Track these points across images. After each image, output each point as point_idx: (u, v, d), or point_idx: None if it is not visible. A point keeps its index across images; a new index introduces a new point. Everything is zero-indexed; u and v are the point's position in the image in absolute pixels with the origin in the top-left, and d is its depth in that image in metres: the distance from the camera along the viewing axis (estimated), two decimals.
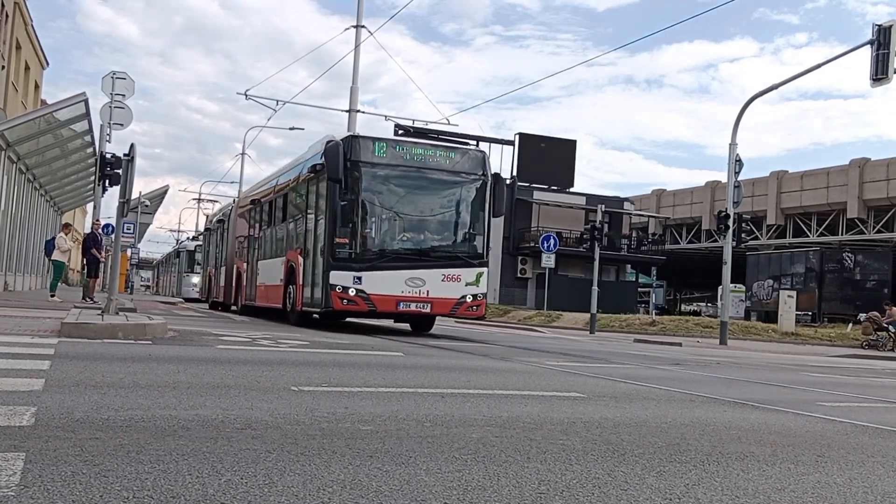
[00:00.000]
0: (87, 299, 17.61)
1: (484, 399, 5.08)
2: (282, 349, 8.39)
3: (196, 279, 37.88)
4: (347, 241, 12.66)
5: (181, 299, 37.62)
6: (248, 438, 3.21)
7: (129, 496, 2.28)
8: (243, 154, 42.17)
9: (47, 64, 33.40)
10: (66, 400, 3.92)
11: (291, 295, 14.45)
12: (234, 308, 21.19)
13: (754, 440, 4.05)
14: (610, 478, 2.92)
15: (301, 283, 13.79)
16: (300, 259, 13.97)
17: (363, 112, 27.32)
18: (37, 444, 2.84)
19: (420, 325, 14.76)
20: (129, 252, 45.38)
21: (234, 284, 20.87)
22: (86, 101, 18.18)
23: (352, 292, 12.43)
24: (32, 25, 28.39)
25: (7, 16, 24.29)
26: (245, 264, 19.53)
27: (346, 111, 25.92)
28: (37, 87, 32.21)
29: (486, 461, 3.06)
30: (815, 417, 5.28)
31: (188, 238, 48.18)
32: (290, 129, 42.75)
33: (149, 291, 70.96)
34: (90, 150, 22.63)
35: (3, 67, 23.81)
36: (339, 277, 12.45)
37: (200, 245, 39.26)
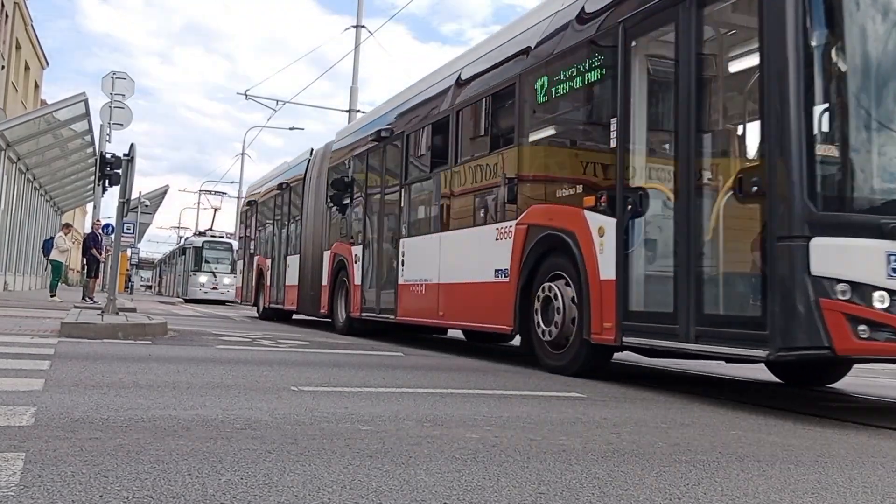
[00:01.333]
0: (87, 299, 17.62)
1: (484, 399, 5.07)
2: (282, 349, 8.39)
3: (204, 278, 35.59)
4: (838, 155, 4.83)
5: (181, 299, 37.11)
6: (248, 438, 3.21)
7: (129, 496, 2.27)
8: (243, 154, 42.25)
9: (47, 64, 33.43)
10: (66, 400, 3.92)
11: (561, 307, 6.69)
12: (317, 318, 14.06)
13: (754, 440, 4.05)
14: (610, 478, 2.92)
15: (624, 276, 6.01)
16: (599, 222, 6.27)
17: (363, 112, 27.28)
18: (37, 444, 2.84)
19: (815, 370, 7.29)
20: (129, 252, 45.19)
21: (327, 283, 12.76)
22: (86, 101, 18.22)
23: (880, 304, 4.59)
24: (32, 25, 28.42)
25: (7, 16, 24.30)
26: (357, 248, 11.69)
27: (347, 111, 25.94)
28: (37, 87, 32.23)
29: (486, 461, 3.06)
30: (815, 417, 5.28)
31: (195, 233, 43.04)
32: (290, 129, 42.78)
33: (150, 292, 69.88)
34: (90, 150, 22.67)
35: (3, 67, 23.81)
36: (839, 259, 4.65)
37: (209, 241, 36.97)
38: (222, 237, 38.12)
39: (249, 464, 2.75)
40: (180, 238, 64.78)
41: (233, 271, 35.84)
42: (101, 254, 19.65)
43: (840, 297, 4.58)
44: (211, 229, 40.08)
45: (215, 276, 35.74)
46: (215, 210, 44.10)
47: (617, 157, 6.17)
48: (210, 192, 47.67)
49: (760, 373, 8.34)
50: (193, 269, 36.36)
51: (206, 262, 36.19)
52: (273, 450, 3.01)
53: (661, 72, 6.16)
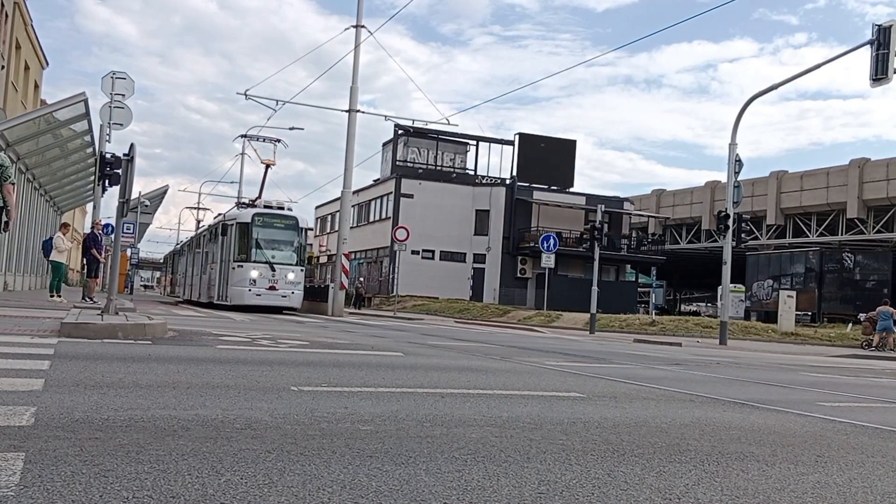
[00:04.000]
0: (87, 299, 17.61)
1: (484, 399, 5.07)
2: (281, 349, 8.38)
3: (256, 272, 22.67)
4: None
5: (180, 298, 35.84)
6: (248, 438, 3.21)
7: (129, 496, 2.27)
8: (243, 154, 42.12)
9: (47, 64, 33.41)
10: (66, 400, 3.92)
11: None
12: None
13: (754, 440, 4.05)
14: (610, 478, 2.92)
15: None
16: None
17: (363, 112, 27.27)
18: (36, 444, 2.84)
19: None
20: (128, 252, 44.96)
21: None
22: (85, 101, 18.20)
23: None
24: (32, 25, 28.42)
25: (7, 16, 24.30)
26: None
27: (346, 111, 25.95)
28: (36, 86, 32.22)
29: (485, 461, 3.06)
30: (815, 417, 5.28)
31: (239, 205, 27.45)
32: (290, 129, 42.76)
33: (154, 292, 66.75)
34: (90, 150, 22.67)
35: (3, 67, 23.81)
36: None
37: (264, 214, 23.69)
38: (282, 208, 24.82)
39: (249, 464, 2.75)
40: (198, 224, 50.89)
41: (300, 262, 23.92)
42: (100, 254, 19.63)
43: None
44: (260, 198, 26.16)
45: (273, 270, 22.93)
46: (267, 167, 27.35)
47: None
48: (257, 137, 28.65)
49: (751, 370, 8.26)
50: (238, 259, 23.11)
51: (259, 247, 23.22)
52: (273, 450, 3.01)
53: None
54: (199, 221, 52.55)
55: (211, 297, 25.60)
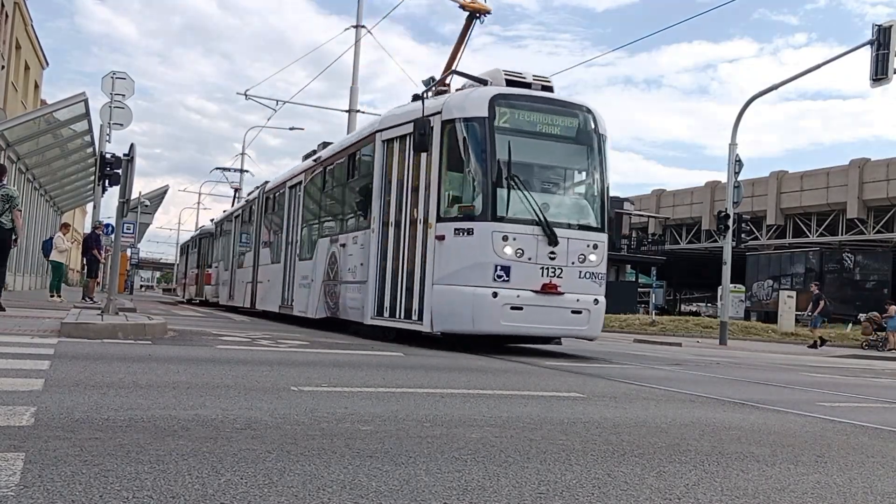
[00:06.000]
0: (87, 299, 17.62)
1: (484, 399, 5.07)
2: (281, 349, 8.38)
3: (510, 248, 9.16)
4: None
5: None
6: (248, 438, 3.21)
7: (129, 496, 2.27)
8: (243, 154, 42.10)
9: (47, 64, 33.42)
10: (66, 400, 3.92)
11: None
12: None
13: (754, 440, 4.05)
14: (610, 478, 2.92)
15: None
16: None
17: (363, 112, 27.24)
18: (37, 444, 2.84)
19: None
20: (128, 252, 44.85)
21: None
22: (85, 101, 18.21)
23: None
24: (32, 25, 28.42)
25: (7, 16, 24.30)
26: None
27: (346, 111, 25.95)
28: (36, 87, 32.23)
29: (485, 461, 3.06)
30: (815, 417, 5.28)
31: (433, 85, 11.03)
32: (290, 129, 42.69)
33: (155, 292, 63.86)
34: (90, 150, 22.68)
35: (3, 67, 23.81)
36: None
37: (514, 97, 9.86)
38: (548, 87, 10.68)
39: (249, 464, 2.75)
40: (235, 200, 31.15)
41: (602, 222, 10.31)
42: (101, 255, 19.63)
43: None
44: (449, 74, 11.79)
45: (553, 243, 9.42)
46: (473, 15, 12.18)
47: None
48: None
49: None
50: (459, 215, 9.58)
51: (516, 182, 9.43)
52: (273, 450, 3.01)
53: None
54: (256, 185, 27.03)
55: (349, 309, 11.97)
